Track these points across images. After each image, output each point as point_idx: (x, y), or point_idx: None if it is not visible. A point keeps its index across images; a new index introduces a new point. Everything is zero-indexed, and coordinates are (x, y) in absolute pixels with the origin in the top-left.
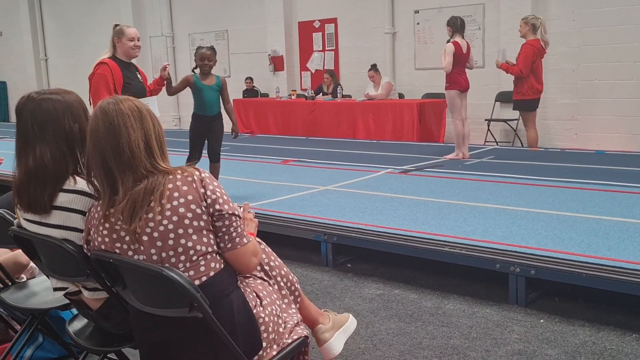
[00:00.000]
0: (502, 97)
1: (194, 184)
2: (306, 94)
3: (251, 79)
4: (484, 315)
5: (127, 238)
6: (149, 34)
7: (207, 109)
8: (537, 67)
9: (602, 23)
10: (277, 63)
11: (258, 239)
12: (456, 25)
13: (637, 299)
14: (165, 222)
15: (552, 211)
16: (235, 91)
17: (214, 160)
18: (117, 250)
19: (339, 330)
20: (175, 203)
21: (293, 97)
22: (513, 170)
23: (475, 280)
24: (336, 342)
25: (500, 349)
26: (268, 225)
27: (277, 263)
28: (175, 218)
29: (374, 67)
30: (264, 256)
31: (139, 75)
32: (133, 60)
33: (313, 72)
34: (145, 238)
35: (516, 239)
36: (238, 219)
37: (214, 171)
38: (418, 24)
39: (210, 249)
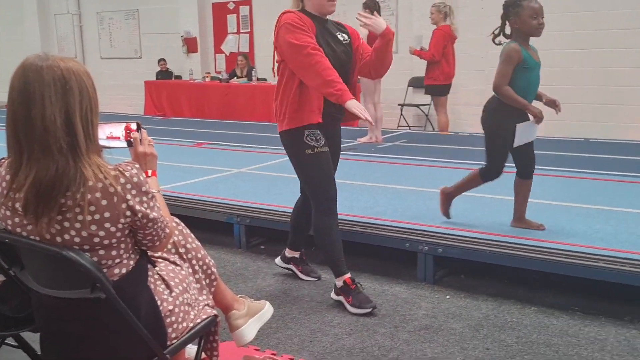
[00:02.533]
0: (415, 83)
1: (114, 198)
2: (220, 77)
3: (164, 60)
4: (394, 292)
5: (26, 222)
6: (54, 11)
7: None
8: (449, 52)
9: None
10: (190, 45)
11: (177, 220)
12: (374, 9)
13: (536, 274)
14: (72, 232)
15: (490, 195)
16: (147, 73)
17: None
18: (12, 228)
19: (254, 318)
20: (89, 218)
21: (207, 80)
22: (424, 153)
23: (386, 259)
24: (249, 329)
25: (408, 324)
26: (179, 207)
27: (194, 245)
28: (84, 233)
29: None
30: (180, 238)
31: None
32: None
33: (227, 54)
34: (47, 236)
35: (425, 219)
36: (158, 221)
37: None
38: None
39: (118, 260)
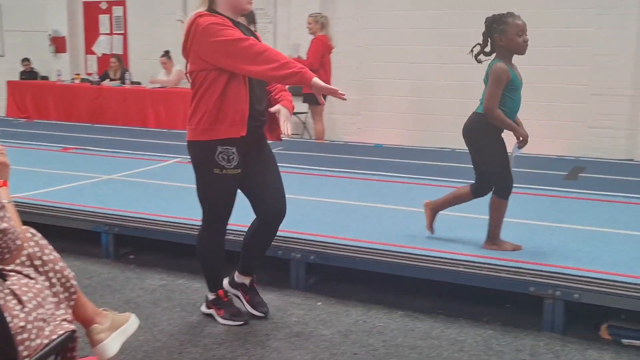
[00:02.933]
0: (292, 91)
1: None
2: (91, 79)
3: (29, 60)
4: (267, 300)
5: None
6: None
7: None
8: (326, 62)
9: (382, 25)
10: (58, 44)
11: (32, 230)
12: (251, 20)
13: (404, 279)
14: None
15: (333, 200)
16: (10, 72)
17: None
18: None
19: (117, 331)
20: None
21: (77, 82)
22: (300, 161)
23: (261, 267)
24: (112, 343)
25: (279, 332)
26: (41, 216)
27: (51, 257)
28: None
29: (166, 54)
30: (36, 249)
31: None
32: None
33: (99, 56)
34: None
35: (299, 226)
36: (8, 232)
37: None
38: None
39: None
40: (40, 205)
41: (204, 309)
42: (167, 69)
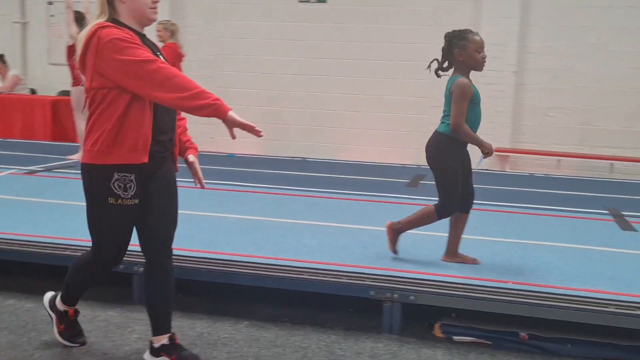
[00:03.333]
0: None
1: None
2: None
3: None
4: (106, 318)
5: None
6: None
7: None
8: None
9: (235, 34)
10: None
11: None
12: (81, 20)
13: (251, 289)
14: None
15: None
16: None
17: None
18: None
19: None
20: None
21: None
22: None
23: (104, 283)
24: None
25: (119, 350)
26: None
27: None
28: None
29: (1, 58)
30: None
31: None
32: None
33: None
34: None
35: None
36: None
37: None
38: (52, 15)
39: None
40: None
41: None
42: (1, 74)
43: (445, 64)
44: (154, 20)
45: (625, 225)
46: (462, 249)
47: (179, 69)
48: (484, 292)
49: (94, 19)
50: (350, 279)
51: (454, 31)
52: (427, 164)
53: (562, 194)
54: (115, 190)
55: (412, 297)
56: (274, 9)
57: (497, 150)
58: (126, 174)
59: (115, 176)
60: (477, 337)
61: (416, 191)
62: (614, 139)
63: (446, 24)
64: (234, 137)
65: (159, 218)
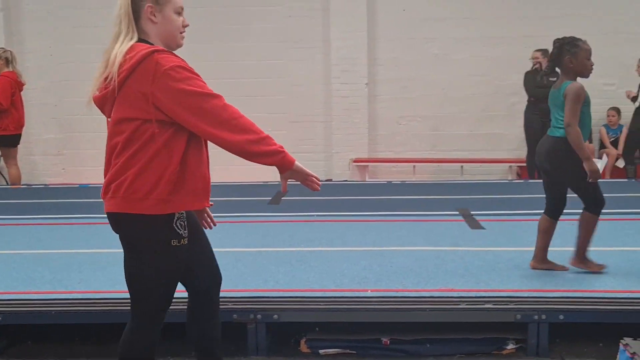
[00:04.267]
0: None
1: None
2: None
3: None
4: None
5: None
6: None
7: None
8: (17, 100)
9: (78, 59)
10: None
11: None
12: None
13: (106, 327)
14: None
15: (25, 250)
16: None
17: None
18: None
19: None
20: None
21: None
22: None
23: None
24: None
25: None
26: None
27: None
28: None
29: None
30: None
31: None
32: None
33: None
34: None
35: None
36: None
37: None
38: None
39: None
40: None
41: None
42: None
43: (547, 69)
44: (181, 46)
45: (474, 224)
46: (341, 261)
47: (19, 99)
48: (344, 303)
49: (118, 40)
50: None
51: (564, 38)
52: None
53: (417, 199)
54: (178, 231)
55: (275, 316)
56: None
57: (356, 161)
58: (182, 212)
59: (176, 216)
60: (342, 348)
61: (278, 208)
62: (462, 143)
63: (298, 40)
64: (285, 190)
65: (206, 248)
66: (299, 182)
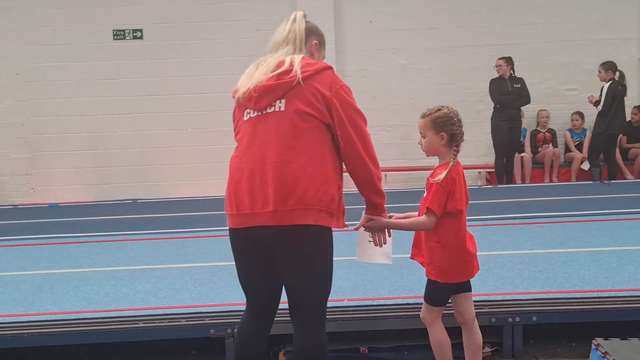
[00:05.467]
0: None
1: None
2: None
3: None
4: None
5: None
6: None
7: None
8: None
9: (45, 77)
10: None
11: None
12: None
13: (84, 347)
14: None
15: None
16: None
17: None
18: None
19: None
20: None
21: None
22: None
23: None
24: None
25: None
26: None
27: None
28: None
29: None
30: None
31: None
32: None
33: None
34: None
35: None
36: None
37: None
38: None
39: None
40: None
41: None
42: None
43: None
44: None
45: None
46: None
47: None
48: None
49: (286, 51)
50: (189, 321)
51: None
52: None
53: (390, 207)
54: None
55: None
56: (88, 48)
57: None
58: None
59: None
60: None
61: None
62: None
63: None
64: (358, 228)
65: None
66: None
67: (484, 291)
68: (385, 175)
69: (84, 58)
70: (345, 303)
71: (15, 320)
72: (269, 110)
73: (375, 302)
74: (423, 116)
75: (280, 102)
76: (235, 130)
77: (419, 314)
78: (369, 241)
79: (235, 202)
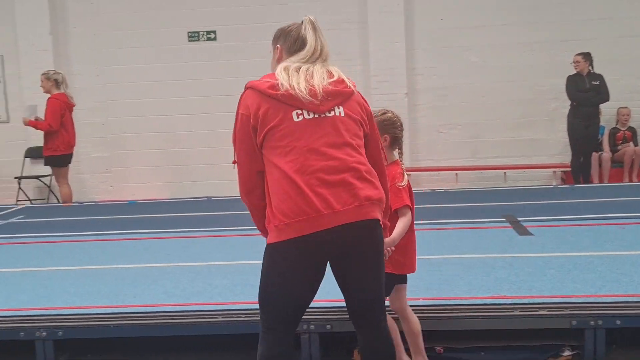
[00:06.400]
0: (32, 153)
1: None
2: None
3: None
4: None
5: None
6: None
7: None
8: (67, 121)
9: (125, 79)
10: None
11: None
12: None
13: (164, 340)
14: None
15: (79, 267)
16: None
17: None
18: None
19: None
20: None
21: None
22: (45, 228)
23: (2, 354)
24: None
25: None
26: None
27: None
28: None
29: None
30: None
31: None
32: None
33: None
34: None
35: (43, 301)
36: None
37: None
38: None
39: None
40: None
41: None
42: None
43: None
44: None
45: (521, 231)
46: None
47: (69, 120)
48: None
49: (322, 61)
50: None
51: None
52: None
53: (462, 207)
54: None
55: (328, 326)
56: (163, 49)
57: None
58: None
59: None
60: None
61: None
62: (503, 149)
63: (337, 54)
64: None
65: None
66: None
67: (563, 293)
68: (456, 174)
69: (160, 60)
70: (420, 302)
71: (101, 312)
72: (328, 115)
73: (450, 302)
74: None
75: (339, 109)
76: (267, 129)
77: (496, 315)
78: None
79: (309, 205)
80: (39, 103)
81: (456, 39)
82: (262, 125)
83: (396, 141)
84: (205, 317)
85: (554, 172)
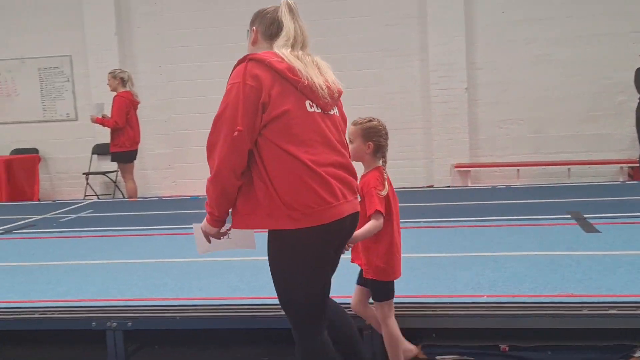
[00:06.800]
0: (99, 150)
1: None
2: None
3: None
4: None
5: None
6: None
7: None
8: (132, 118)
9: (186, 77)
10: None
11: None
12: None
13: (224, 331)
14: None
15: (146, 260)
16: None
17: None
18: None
19: None
20: None
21: None
22: (112, 222)
23: (75, 342)
24: None
25: None
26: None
27: None
28: None
29: None
30: None
31: None
32: None
33: None
34: None
35: (113, 293)
36: None
37: None
38: None
39: None
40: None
41: None
42: None
43: None
44: None
45: (588, 228)
46: (452, 267)
47: (134, 117)
48: (460, 309)
49: (324, 66)
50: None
51: None
52: None
53: (525, 203)
54: None
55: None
56: (223, 47)
57: (457, 166)
58: None
59: None
60: (459, 355)
61: None
62: (567, 144)
63: (395, 49)
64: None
65: None
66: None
67: (635, 292)
68: (518, 170)
69: (220, 57)
70: (485, 299)
71: (168, 304)
72: (330, 113)
73: (516, 300)
74: (354, 124)
75: (334, 108)
76: (280, 112)
77: (563, 313)
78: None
79: (331, 192)
80: (105, 101)
81: (518, 32)
82: (273, 105)
83: (380, 149)
84: (270, 310)
85: (621, 167)
